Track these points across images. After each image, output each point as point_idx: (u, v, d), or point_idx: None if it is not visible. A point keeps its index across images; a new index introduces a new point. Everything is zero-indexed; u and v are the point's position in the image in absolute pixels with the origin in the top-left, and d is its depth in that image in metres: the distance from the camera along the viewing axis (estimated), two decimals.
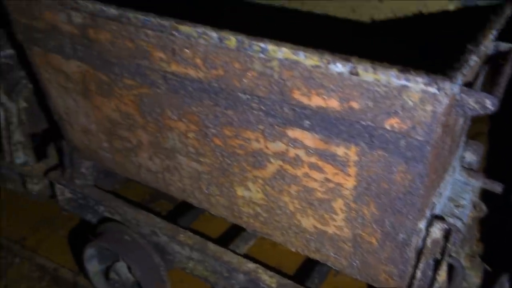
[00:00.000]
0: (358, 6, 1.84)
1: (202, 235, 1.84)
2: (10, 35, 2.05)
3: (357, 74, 1.02)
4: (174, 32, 1.22)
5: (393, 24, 1.77)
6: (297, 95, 1.15)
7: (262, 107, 1.23)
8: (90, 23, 1.40)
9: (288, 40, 1.11)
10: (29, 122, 2.26)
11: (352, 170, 1.20)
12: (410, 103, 1.01)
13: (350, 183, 1.23)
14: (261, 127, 1.27)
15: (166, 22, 1.22)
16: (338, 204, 1.29)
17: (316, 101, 1.13)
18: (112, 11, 1.30)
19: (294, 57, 1.08)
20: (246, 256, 1.76)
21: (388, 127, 1.07)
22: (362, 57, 1.03)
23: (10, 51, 2.16)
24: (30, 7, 1.52)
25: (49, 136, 2.35)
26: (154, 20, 1.24)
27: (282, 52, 1.09)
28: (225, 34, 1.15)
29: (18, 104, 2.20)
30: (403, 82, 0.98)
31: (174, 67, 1.31)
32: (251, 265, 1.68)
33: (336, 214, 1.31)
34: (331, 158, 1.21)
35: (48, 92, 1.79)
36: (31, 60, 1.72)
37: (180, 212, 2.25)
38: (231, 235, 2.08)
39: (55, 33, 1.53)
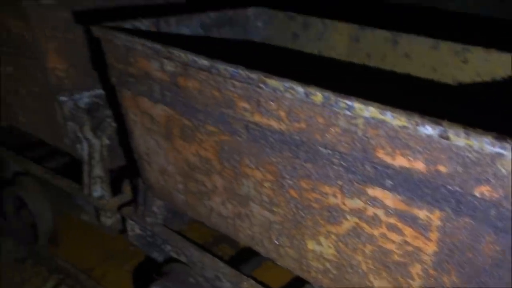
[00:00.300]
0: (440, 66, 1.82)
1: (264, 284, 1.82)
2: (102, 77, 2.21)
3: (447, 138, 1.00)
4: (261, 85, 1.27)
5: (479, 87, 1.73)
6: (380, 153, 1.14)
7: (343, 163, 1.23)
8: (181, 71, 1.49)
9: (367, 97, 1.12)
10: (109, 158, 2.38)
11: (434, 235, 1.15)
12: (504, 171, 0.97)
13: (430, 248, 1.18)
14: (339, 182, 1.27)
15: (254, 75, 1.27)
16: (416, 269, 1.24)
17: (400, 161, 1.12)
18: (204, 62, 1.37)
19: (381, 117, 1.08)
20: None
21: (477, 195, 1.03)
22: (445, 118, 1.02)
23: (100, 92, 2.32)
24: (127, 54, 1.64)
25: (124, 173, 2.46)
26: (242, 72, 1.29)
27: (369, 111, 1.09)
28: (312, 89, 1.18)
29: (101, 140, 2.34)
30: (498, 150, 0.95)
31: (257, 118, 1.35)
32: None
33: (413, 279, 1.26)
34: (412, 221, 1.17)
35: (132, 132, 1.89)
36: (121, 102, 1.84)
37: (243, 257, 2.25)
38: (294, 286, 2.03)
39: (146, 79, 1.63)
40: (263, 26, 2.27)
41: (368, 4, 3.34)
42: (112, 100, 2.15)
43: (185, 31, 2.01)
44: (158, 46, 1.49)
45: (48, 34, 2.09)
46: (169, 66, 1.51)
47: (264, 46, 2.28)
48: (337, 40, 2.08)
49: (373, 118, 1.10)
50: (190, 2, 2.29)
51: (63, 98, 2.23)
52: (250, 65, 1.31)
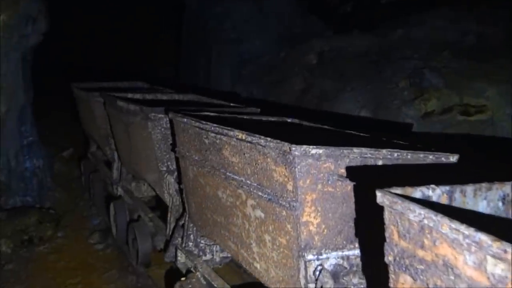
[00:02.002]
0: None
1: None
2: (360, 241, 1.88)
3: None
4: None
5: None
6: None
7: None
8: None
9: None
10: None
11: None
12: None
13: None
14: None
15: None
16: None
17: None
18: None
19: None
20: None
21: None
22: None
23: (350, 253, 1.99)
24: (421, 233, 1.26)
25: None
26: None
27: None
28: None
29: None
30: None
31: None
32: None
33: None
34: None
35: None
36: (393, 285, 1.43)
37: None
38: None
39: (445, 272, 1.20)
40: None
41: None
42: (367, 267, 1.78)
43: (482, 204, 1.56)
44: (483, 238, 1.07)
45: (309, 185, 1.90)
46: (496, 268, 1.05)
47: None
48: None
49: None
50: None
51: (309, 256, 1.95)
52: None
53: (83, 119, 6.00)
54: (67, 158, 7.82)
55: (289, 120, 3.31)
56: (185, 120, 2.78)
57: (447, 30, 8.16)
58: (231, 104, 4.07)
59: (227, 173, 2.39)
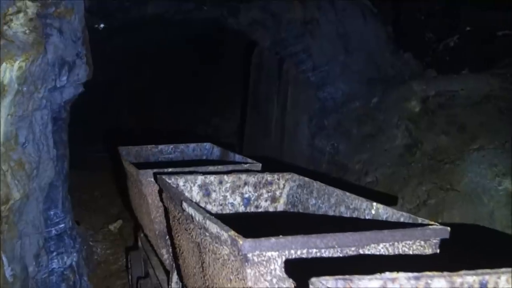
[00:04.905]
0: None
1: None
2: None
3: None
4: None
5: None
6: None
7: None
8: None
9: None
10: None
11: None
12: None
13: None
14: None
15: None
16: None
17: None
18: None
19: None
20: None
21: None
22: None
23: None
24: None
25: None
26: None
27: None
28: None
29: None
30: None
31: None
32: None
33: None
34: None
35: None
36: None
37: None
38: None
39: None
40: None
41: None
42: None
43: None
44: None
45: None
46: None
47: None
48: None
49: None
50: None
51: None
52: None
53: (132, 198, 4.40)
54: (115, 233, 6.26)
55: None
56: None
57: None
58: (381, 216, 2.28)
59: None
